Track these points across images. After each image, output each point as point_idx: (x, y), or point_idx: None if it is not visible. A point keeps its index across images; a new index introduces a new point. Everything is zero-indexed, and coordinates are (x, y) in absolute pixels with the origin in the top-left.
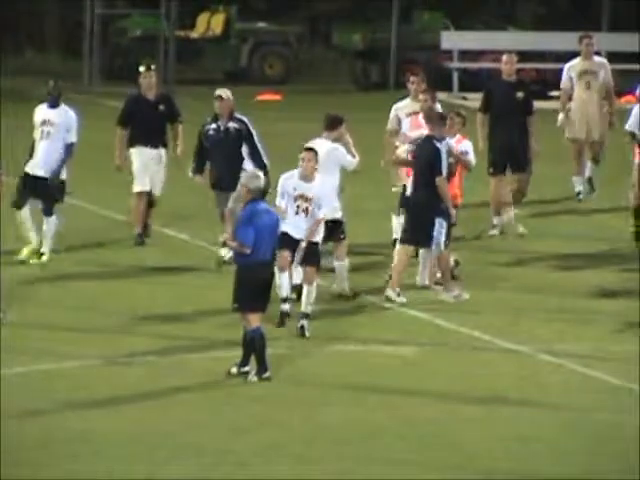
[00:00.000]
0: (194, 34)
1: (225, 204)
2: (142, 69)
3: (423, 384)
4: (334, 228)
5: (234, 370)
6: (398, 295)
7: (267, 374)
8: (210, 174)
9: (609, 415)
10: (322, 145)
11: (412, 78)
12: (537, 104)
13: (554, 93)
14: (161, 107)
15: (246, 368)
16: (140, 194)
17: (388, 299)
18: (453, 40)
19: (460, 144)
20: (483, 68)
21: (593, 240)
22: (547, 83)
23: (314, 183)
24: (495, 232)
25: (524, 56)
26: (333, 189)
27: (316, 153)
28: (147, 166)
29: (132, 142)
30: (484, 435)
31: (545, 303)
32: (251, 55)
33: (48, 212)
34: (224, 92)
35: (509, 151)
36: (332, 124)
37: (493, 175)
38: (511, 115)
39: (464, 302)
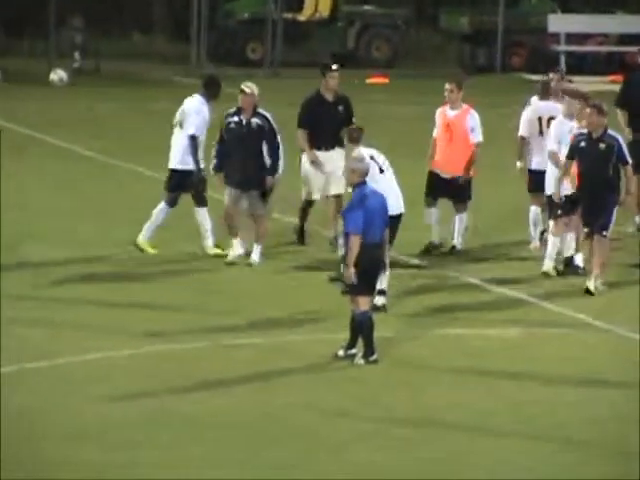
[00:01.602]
0: (301, 17)
1: (237, 203)
2: (333, 67)
3: (527, 366)
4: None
5: (341, 353)
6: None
7: (374, 357)
8: (226, 169)
9: None
10: None
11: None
12: None
13: None
14: (340, 108)
15: (353, 350)
16: (311, 203)
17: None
18: (560, 23)
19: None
20: (589, 51)
21: None
22: None
23: None
24: (632, 230)
25: (632, 39)
26: None
27: None
28: (318, 172)
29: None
30: (585, 416)
31: None
32: (358, 38)
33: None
34: (248, 86)
35: None
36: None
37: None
38: None
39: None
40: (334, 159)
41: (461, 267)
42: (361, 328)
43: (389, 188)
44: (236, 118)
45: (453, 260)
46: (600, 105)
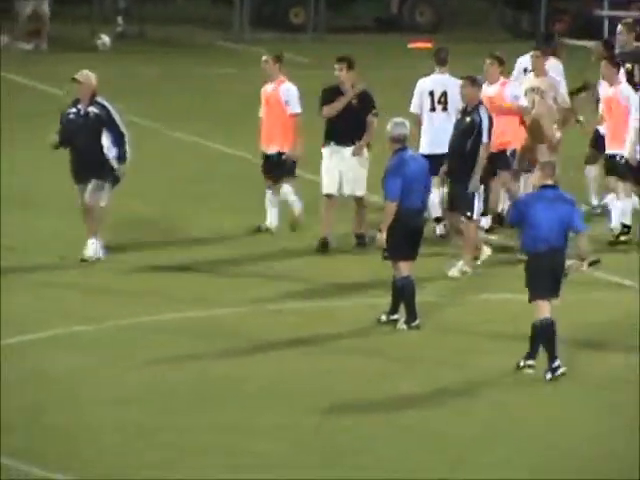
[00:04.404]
0: None
1: (83, 196)
2: (337, 62)
3: (566, 332)
4: None
5: (383, 318)
6: None
7: (416, 322)
8: (70, 163)
9: None
10: None
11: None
12: None
13: None
14: (354, 102)
15: (395, 316)
16: (328, 197)
17: None
18: None
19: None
20: (633, 16)
21: None
22: None
23: None
24: None
25: None
26: None
27: None
28: (337, 166)
29: (325, 139)
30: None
31: None
32: (402, 2)
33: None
34: (83, 75)
35: None
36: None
37: None
38: None
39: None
40: (348, 157)
41: (501, 231)
42: (402, 294)
43: None
44: (74, 109)
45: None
46: None
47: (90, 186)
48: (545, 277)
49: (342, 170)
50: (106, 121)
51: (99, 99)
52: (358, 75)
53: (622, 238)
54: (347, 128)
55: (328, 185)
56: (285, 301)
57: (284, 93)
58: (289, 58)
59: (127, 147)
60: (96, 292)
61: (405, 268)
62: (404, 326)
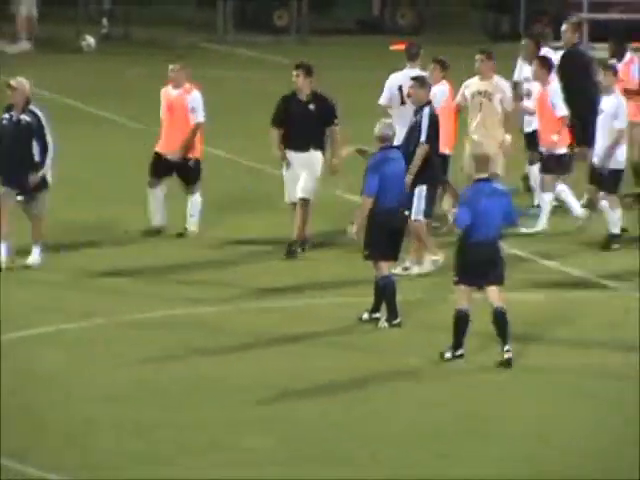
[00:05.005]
0: None
1: (7, 201)
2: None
3: (548, 329)
4: None
5: (365, 316)
6: None
7: (397, 320)
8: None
9: None
10: None
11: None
12: None
13: None
14: (311, 107)
15: (377, 314)
16: (294, 205)
17: None
18: None
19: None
20: (611, 19)
21: None
22: None
23: None
24: None
25: None
26: None
27: None
28: (295, 174)
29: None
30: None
31: None
32: (383, 4)
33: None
34: (17, 81)
35: None
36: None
37: None
38: None
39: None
40: (307, 161)
41: None
42: (384, 292)
43: None
44: (7, 115)
45: None
46: None
47: (26, 195)
48: (477, 267)
49: (299, 174)
50: (36, 129)
51: (32, 107)
52: (317, 81)
53: (615, 246)
54: (303, 134)
55: (290, 193)
56: (268, 300)
57: (191, 101)
58: (273, 60)
59: (49, 157)
60: (82, 290)
61: (385, 268)
62: (385, 324)
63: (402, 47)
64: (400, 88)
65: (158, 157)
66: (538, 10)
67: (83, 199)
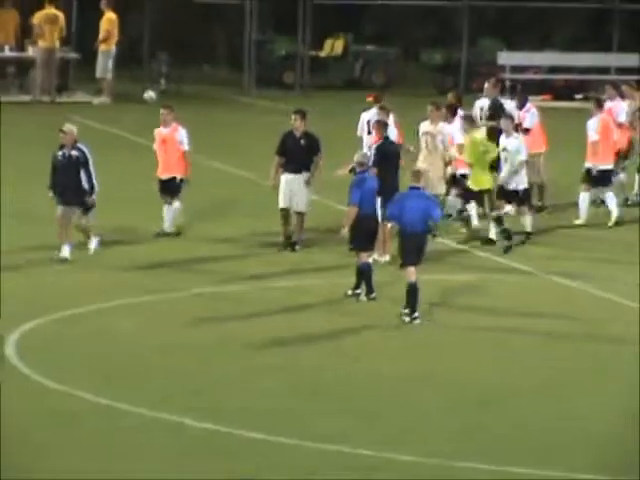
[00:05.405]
0: (322, 53)
1: (64, 216)
2: (294, 114)
3: (477, 302)
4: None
5: (349, 292)
6: None
7: (373, 295)
8: (57, 190)
9: None
10: None
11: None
12: (564, 104)
13: (578, 96)
14: (302, 142)
15: (358, 291)
16: (283, 209)
17: None
18: (506, 58)
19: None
20: (528, 79)
21: None
22: (573, 89)
23: None
24: None
25: (556, 69)
26: None
27: None
28: (289, 188)
29: (283, 169)
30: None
31: None
32: (362, 69)
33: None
34: (68, 127)
35: None
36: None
37: None
38: None
39: None
40: (300, 181)
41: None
42: (363, 274)
43: None
44: (60, 152)
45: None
46: None
47: (73, 211)
48: (412, 251)
49: (292, 190)
50: (83, 162)
51: (79, 144)
52: (317, 122)
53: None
54: (297, 162)
55: (283, 201)
56: (277, 279)
57: (180, 135)
58: (283, 108)
59: (94, 182)
60: (136, 273)
61: (364, 256)
62: (364, 298)
63: (373, 98)
64: (368, 122)
65: (161, 182)
66: (475, 71)
67: (122, 209)
